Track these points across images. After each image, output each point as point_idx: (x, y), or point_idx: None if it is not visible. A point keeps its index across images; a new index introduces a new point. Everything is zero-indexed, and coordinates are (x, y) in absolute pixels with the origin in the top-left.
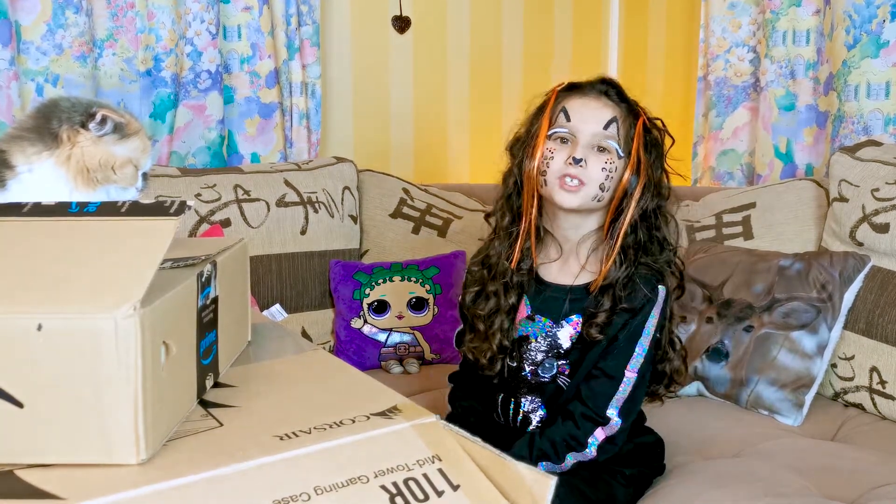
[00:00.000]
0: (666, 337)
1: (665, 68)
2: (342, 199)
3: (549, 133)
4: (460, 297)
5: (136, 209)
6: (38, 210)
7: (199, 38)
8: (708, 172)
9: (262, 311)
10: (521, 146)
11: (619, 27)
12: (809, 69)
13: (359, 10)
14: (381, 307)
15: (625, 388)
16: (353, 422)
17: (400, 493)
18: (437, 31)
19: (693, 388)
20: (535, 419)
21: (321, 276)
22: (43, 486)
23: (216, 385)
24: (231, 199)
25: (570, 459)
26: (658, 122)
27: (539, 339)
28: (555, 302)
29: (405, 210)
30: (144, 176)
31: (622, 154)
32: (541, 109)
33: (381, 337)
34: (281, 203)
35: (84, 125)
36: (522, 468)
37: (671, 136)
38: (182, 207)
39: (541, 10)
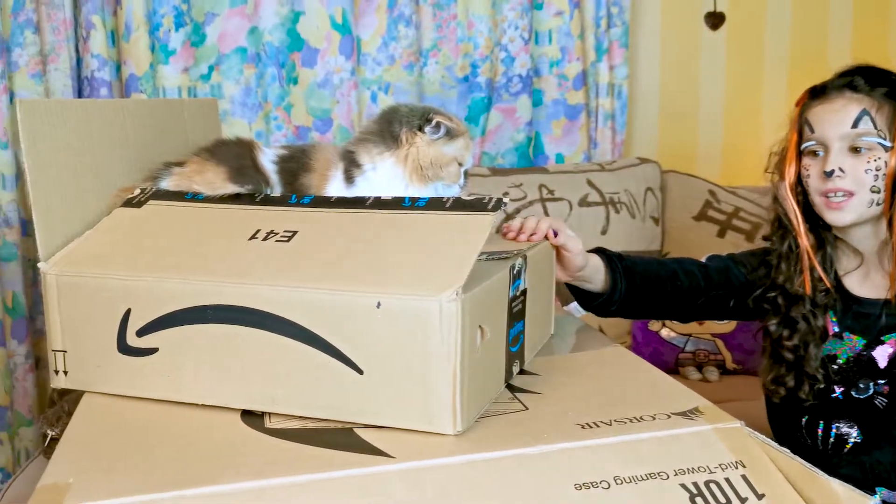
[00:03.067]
0: None
1: None
2: (644, 200)
3: (802, 148)
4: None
5: (458, 205)
6: (378, 204)
7: (513, 44)
8: None
9: (562, 307)
10: (777, 165)
11: None
12: None
13: (670, 7)
14: None
15: None
16: (654, 419)
17: (700, 494)
18: (754, 27)
19: None
20: (851, 442)
21: None
22: (376, 444)
23: (522, 372)
24: (536, 198)
25: None
26: None
27: (849, 360)
28: (867, 319)
29: (710, 213)
30: (465, 173)
31: (890, 144)
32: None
33: (680, 342)
34: (583, 203)
35: (421, 129)
36: (836, 484)
37: None
38: (499, 204)
39: (876, 5)
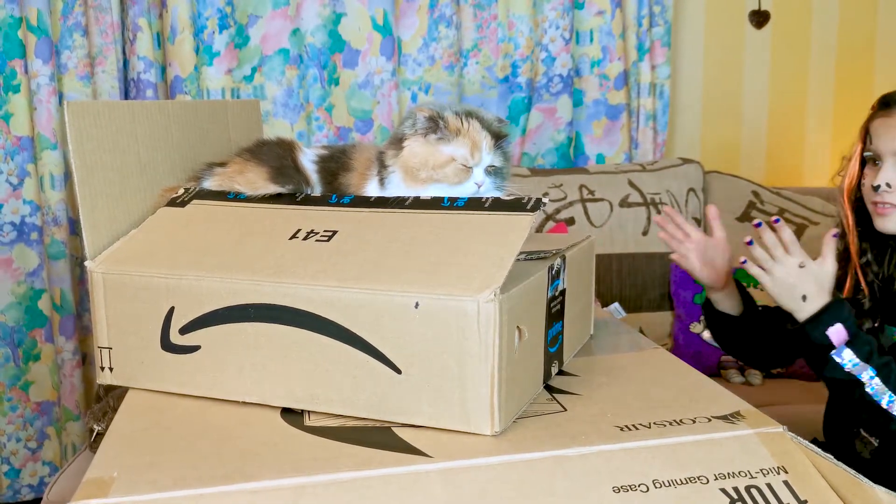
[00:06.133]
0: None
1: None
2: (686, 201)
3: (864, 156)
4: None
5: (497, 205)
6: (417, 203)
7: (554, 44)
8: None
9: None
10: (840, 170)
11: None
12: None
13: (713, 6)
14: None
15: None
16: (694, 422)
17: (741, 499)
18: (799, 25)
19: None
20: None
21: (661, 278)
22: (415, 443)
23: (560, 372)
24: (576, 199)
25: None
26: None
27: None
28: None
29: (754, 214)
30: (497, 172)
31: None
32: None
33: None
34: (624, 203)
35: (410, 127)
36: (882, 492)
37: None
38: (538, 204)
39: None
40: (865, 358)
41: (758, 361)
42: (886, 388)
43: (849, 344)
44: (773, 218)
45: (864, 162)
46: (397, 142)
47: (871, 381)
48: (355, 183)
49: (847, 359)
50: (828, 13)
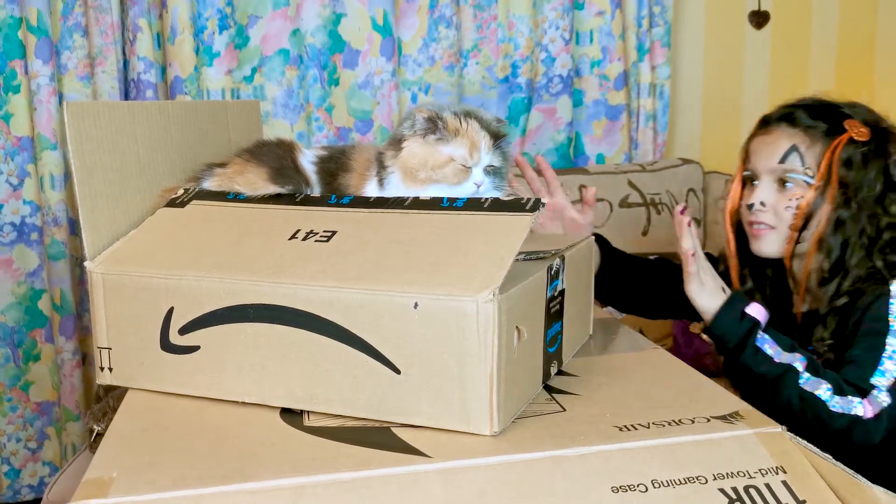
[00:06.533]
0: None
1: None
2: (686, 202)
3: (743, 175)
4: None
5: (496, 205)
6: (417, 204)
7: (553, 45)
8: None
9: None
10: (724, 190)
11: None
12: None
13: (713, 6)
14: None
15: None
16: (693, 422)
17: (740, 499)
18: (799, 26)
19: None
20: None
21: None
22: (414, 443)
23: (559, 373)
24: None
25: (834, 397)
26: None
27: None
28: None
29: None
30: (496, 172)
31: (814, 182)
32: None
33: None
34: (624, 204)
35: (409, 128)
36: (880, 492)
37: None
38: (537, 205)
39: None
40: (789, 349)
41: (632, 310)
42: (820, 379)
43: (767, 331)
44: (679, 207)
45: (745, 183)
46: (396, 142)
47: (805, 370)
48: (354, 183)
49: (776, 348)
50: (828, 13)
